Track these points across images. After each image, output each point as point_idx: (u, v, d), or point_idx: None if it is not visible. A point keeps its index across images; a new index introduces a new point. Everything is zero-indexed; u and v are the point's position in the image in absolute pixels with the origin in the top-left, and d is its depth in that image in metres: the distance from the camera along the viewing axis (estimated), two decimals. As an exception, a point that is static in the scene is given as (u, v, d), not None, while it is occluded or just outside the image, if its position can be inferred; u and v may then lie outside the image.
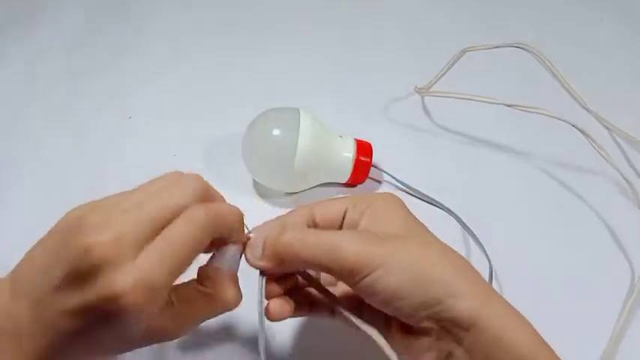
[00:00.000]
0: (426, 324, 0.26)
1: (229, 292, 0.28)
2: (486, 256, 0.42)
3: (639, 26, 0.63)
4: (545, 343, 0.26)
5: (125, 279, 0.22)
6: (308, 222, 0.29)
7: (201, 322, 0.28)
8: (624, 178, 0.45)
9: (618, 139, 0.52)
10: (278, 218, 0.30)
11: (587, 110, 0.54)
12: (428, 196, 0.46)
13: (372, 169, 0.45)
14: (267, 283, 0.29)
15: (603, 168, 0.48)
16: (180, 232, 0.24)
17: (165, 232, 0.24)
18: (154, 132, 0.52)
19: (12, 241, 0.44)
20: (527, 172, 0.50)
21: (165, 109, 0.54)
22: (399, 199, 0.30)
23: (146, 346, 0.26)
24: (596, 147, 0.45)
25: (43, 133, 0.52)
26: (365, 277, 0.25)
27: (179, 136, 0.51)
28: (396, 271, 0.25)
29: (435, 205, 0.46)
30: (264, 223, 0.30)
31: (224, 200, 0.29)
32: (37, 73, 0.57)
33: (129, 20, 0.63)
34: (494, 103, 0.47)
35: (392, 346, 0.27)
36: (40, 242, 0.25)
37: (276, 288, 0.30)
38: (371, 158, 0.44)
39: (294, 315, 0.30)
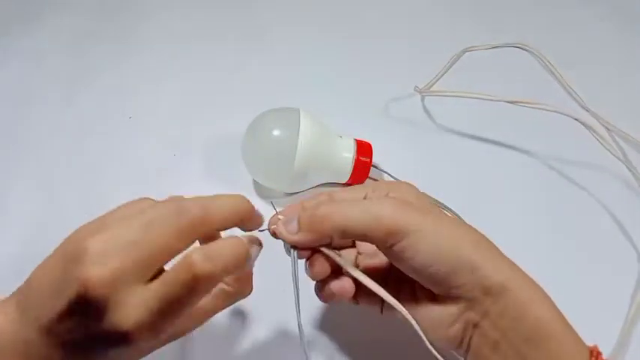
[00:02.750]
0: (457, 291, 0.27)
1: (249, 289, 0.31)
2: None
3: (639, 26, 0.63)
4: (563, 316, 0.27)
5: (127, 321, 0.23)
6: None
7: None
8: (628, 168, 0.45)
9: (618, 139, 0.52)
10: (297, 204, 0.31)
11: (587, 110, 0.54)
12: (429, 196, 0.46)
13: (372, 169, 0.45)
14: (310, 265, 0.30)
15: (606, 161, 0.48)
16: (181, 288, 0.24)
17: (166, 280, 0.24)
18: (154, 132, 0.52)
19: (13, 240, 0.45)
20: (530, 169, 0.50)
21: (166, 109, 0.54)
22: (415, 187, 0.31)
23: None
24: (598, 139, 0.46)
25: (43, 133, 0.52)
26: (401, 240, 0.26)
27: (179, 136, 0.51)
28: (431, 235, 0.26)
29: (438, 206, 0.46)
30: (288, 208, 0.31)
31: (220, 205, 0.27)
32: (37, 73, 0.57)
33: (129, 20, 0.63)
34: (496, 100, 0.47)
35: (418, 320, 0.28)
36: (45, 264, 0.26)
37: (324, 267, 0.30)
38: (371, 158, 0.44)
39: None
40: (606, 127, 0.53)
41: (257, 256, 0.29)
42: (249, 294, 0.31)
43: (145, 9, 0.64)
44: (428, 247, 0.26)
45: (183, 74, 0.57)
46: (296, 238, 0.28)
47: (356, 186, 0.31)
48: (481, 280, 0.26)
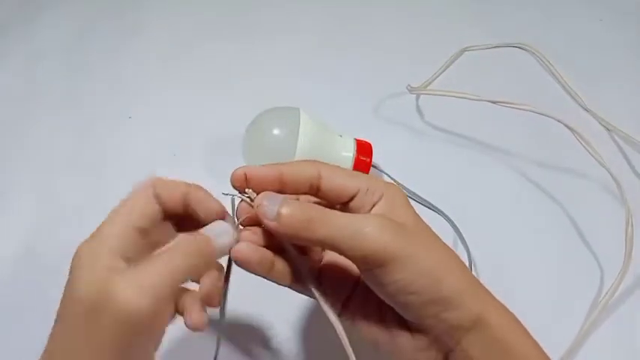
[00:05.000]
0: (430, 322, 0.26)
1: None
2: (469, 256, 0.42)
3: (639, 26, 0.63)
4: (538, 346, 0.26)
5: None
6: (311, 185, 0.28)
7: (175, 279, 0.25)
8: (612, 176, 0.44)
9: (618, 139, 0.52)
10: (277, 167, 0.28)
11: (587, 110, 0.54)
12: (420, 197, 0.46)
13: (372, 169, 0.45)
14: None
15: (593, 165, 0.46)
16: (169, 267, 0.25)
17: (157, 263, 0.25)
18: (154, 132, 0.52)
19: (13, 240, 0.45)
20: (518, 171, 0.49)
21: (165, 109, 0.54)
22: (403, 193, 0.29)
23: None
24: (583, 144, 0.45)
25: (43, 133, 0.52)
26: (381, 265, 0.25)
27: (179, 136, 0.51)
28: (412, 264, 0.25)
29: (430, 208, 0.46)
30: (266, 169, 0.28)
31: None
32: (37, 73, 0.57)
33: (129, 20, 0.63)
34: (479, 100, 0.46)
35: (384, 342, 0.27)
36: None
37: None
38: (371, 158, 0.44)
39: (276, 280, 0.29)
40: (606, 128, 0.52)
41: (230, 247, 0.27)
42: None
43: (144, 9, 0.64)
44: (409, 275, 0.25)
45: (184, 74, 0.57)
46: (271, 224, 0.26)
47: (351, 175, 0.28)
48: (457, 314, 0.25)
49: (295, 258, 0.28)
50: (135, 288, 0.23)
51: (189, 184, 0.29)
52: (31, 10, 0.64)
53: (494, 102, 0.46)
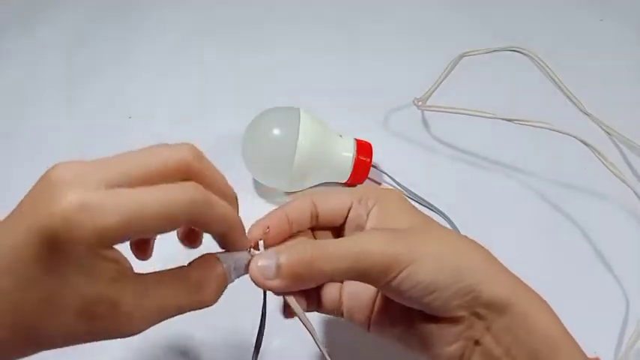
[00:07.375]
0: (458, 312, 0.25)
1: (208, 286, 0.25)
2: None
3: (639, 27, 0.62)
4: (569, 334, 0.26)
5: (71, 198, 0.20)
6: (311, 213, 0.29)
7: (166, 314, 0.24)
8: (632, 189, 0.42)
9: (619, 144, 0.51)
10: (281, 210, 0.28)
11: (587, 114, 0.54)
12: (424, 200, 0.46)
13: (372, 169, 0.45)
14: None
15: (609, 182, 0.44)
16: (155, 195, 0.21)
17: (143, 188, 0.22)
18: (153, 132, 0.51)
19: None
20: (526, 184, 0.48)
21: (165, 109, 0.54)
22: (401, 194, 0.29)
23: (101, 332, 0.22)
24: (601, 159, 0.43)
25: (43, 133, 0.52)
26: (396, 276, 0.25)
27: (179, 136, 0.51)
28: (426, 264, 0.25)
29: (431, 209, 0.46)
30: (262, 225, 0.28)
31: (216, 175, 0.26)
32: (37, 73, 0.57)
33: (129, 20, 0.63)
34: (492, 118, 0.45)
35: (415, 342, 0.27)
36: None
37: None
38: (371, 158, 0.44)
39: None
40: (606, 132, 0.52)
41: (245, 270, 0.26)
42: (211, 303, 0.25)
43: (144, 9, 0.65)
44: (426, 276, 0.24)
45: (184, 74, 0.57)
46: (274, 284, 0.25)
47: (340, 191, 0.30)
48: (484, 300, 0.25)
49: (304, 319, 0.27)
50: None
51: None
52: (32, 10, 0.64)
53: (509, 120, 0.44)
